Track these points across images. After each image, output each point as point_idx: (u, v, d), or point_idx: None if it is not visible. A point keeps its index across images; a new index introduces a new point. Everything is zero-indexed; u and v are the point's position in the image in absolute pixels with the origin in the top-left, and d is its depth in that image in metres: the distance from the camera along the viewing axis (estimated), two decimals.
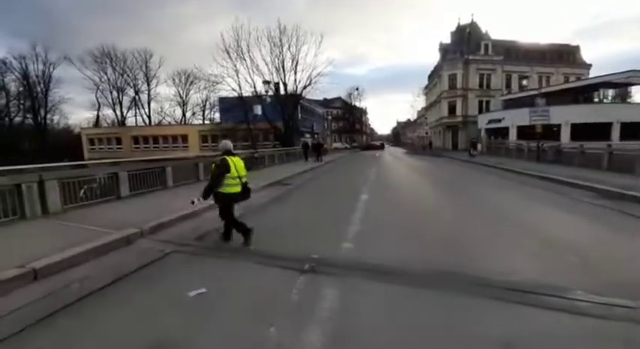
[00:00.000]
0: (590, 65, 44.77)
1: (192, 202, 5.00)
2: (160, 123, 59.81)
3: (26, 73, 52.76)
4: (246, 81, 33.23)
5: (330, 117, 69.37)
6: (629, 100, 31.20)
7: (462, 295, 3.34)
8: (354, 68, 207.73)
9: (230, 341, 2.68)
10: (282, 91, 33.81)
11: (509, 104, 35.85)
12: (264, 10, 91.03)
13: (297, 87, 34.20)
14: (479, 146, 29.24)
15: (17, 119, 53.49)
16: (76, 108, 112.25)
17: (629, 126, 25.71)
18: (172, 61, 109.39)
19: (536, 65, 42.03)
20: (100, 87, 58.14)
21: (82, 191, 7.78)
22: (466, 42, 41.94)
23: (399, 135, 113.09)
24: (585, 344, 2.59)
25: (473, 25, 43.52)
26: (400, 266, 4.10)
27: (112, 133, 49.28)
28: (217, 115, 52.73)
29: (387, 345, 2.62)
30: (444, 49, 45.81)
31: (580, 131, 25.46)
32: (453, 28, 45.96)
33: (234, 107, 33.53)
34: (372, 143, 69.36)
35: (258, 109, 19.08)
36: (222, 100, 41.70)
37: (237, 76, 32.74)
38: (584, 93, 31.66)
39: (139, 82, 60.38)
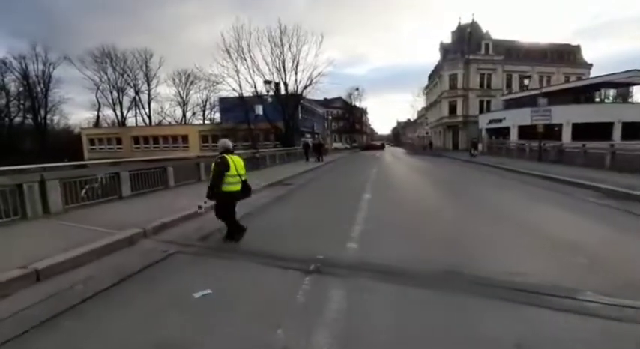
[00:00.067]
0: (590, 65, 44.77)
1: (200, 207, 4.97)
2: (160, 124, 59.79)
3: (26, 73, 52.81)
4: (247, 81, 33.22)
5: (330, 117, 69.31)
6: (630, 100, 31.06)
7: (469, 296, 3.30)
8: (354, 68, 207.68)
9: (237, 343, 2.64)
10: (282, 91, 33.76)
11: (510, 104, 35.82)
12: (264, 10, 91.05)
13: (297, 87, 34.20)
14: (479, 146, 29.22)
15: (17, 119, 53.58)
16: (76, 108, 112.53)
17: (630, 126, 25.70)
18: (172, 61, 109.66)
19: (536, 65, 41.99)
20: (100, 88, 58.22)
21: (84, 191, 7.74)
22: (467, 42, 41.88)
23: (399, 135, 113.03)
24: (596, 345, 2.55)
25: (474, 25, 43.47)
26: (406, 267, 4.07)
27: (113, 133, 49.23)
28: (217, 115, 52.73)
29: (396, 347, 2.58)
30: (445, 49, 45.76)
31: (581, 131, 25.43)
32: (454, 27, 45.99)
33: (235, 107, 33.49)
34: (372, 143, 69.33)
35: (259, 109, 19.02)
36: (223, 100, 41.64)
37: (238, 76, 32.73)
38: (586, 93, 31.63)
39: (139, 82, 60.46)
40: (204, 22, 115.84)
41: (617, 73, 26.72)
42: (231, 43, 32.18)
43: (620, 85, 29.34)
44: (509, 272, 3.83)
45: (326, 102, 61.42)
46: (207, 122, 57.11)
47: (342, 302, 3.18)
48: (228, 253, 4.80)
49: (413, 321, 2.89)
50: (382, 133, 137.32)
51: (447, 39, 46.73)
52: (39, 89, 54.17)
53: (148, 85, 61.18)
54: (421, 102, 68.40)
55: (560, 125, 26.27)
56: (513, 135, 30.90)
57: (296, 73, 33.70)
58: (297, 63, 33.43)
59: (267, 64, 33.55)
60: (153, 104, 62.85)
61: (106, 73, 57.72)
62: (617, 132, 26.02)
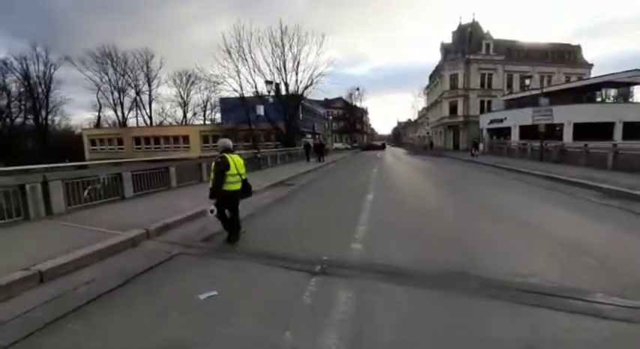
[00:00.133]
0: (591, 65, 44.73)
1: (212, 211, 4.95)
2: (161, 124, 59.78)
3: (27, 73, 52.86)
4: (248, 81, 33.16)
5: (331, 118, 69.31)
6: (631, 100, 30.98)
7: (476, 297, 3.26)
8: (354, 68, 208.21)
9: (244, 345, 2.60)
10: (283, 92, 33.72)
11: (511, 104, 35.79)
12: (264, 11, 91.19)
13: (298, 87, 34.15)
14: (480, 146, 29.18)
15: (18, 120, 53.62)
16: (77, 109, 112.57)
17: (631, 126, 25.65)
18: (173, 61, 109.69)
19: (537, 65, 41.95)
20: (101, 88, 58.21)
21: (86, 191, 7.71)
22: (467, 42, 41.82)
23: (400, 135, 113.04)
24: (610, 348, 2.51)
25: (474, 25, 43.42)
26: (411, 267, 4.04)
27: (114, 134, 49.19)
28: (218, 116, 52.74)
29: None
30: (446, 49, 45.71)
31: (582, 131, 25.39)
32: (455, 27, 45.95)
33: (236, 107, 33.44)
34: (373, 143, 69.30)
35: (260, 110, 18.99)
36: (224, 101, 41.59)
37: (239, 76, 32.68)
38: (587, 93, 31.58)
39: (140, 82, 60.41)
40: (204, 22, 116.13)
41: (618, 73, 26.67)
42: (232, 43, 32.17)
43: (621, 85, 29.26)
44: (515, 273, 3.80)
45: (326, 103, 61.42)
46: (207, 122, 57.11)
47: (349, 304, 3.14)
48: (232, 254, 4.76)
49: (420, 323, 2.86)
50: (382, 133, 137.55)
51: (448, 39, 46.77)
52: (40, 90, 54.30)
53: (149, 85, 61.25)
54: (422, 103, 68.44)
55: (562, 125, 26.23)
56: (514, 135, 30.87)
57: (297, 74, 33.70)
58: (298, 63, 33.43)
59: (268, 65, 33.55)
60: (154, 105, 62.91)
61: (107, 74, 57.81)
62: (618, 132, 25.97)
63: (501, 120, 33.77)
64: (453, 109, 43.86)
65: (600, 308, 3.00)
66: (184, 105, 64.01)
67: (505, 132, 32.71)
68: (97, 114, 59.79)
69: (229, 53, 31.91)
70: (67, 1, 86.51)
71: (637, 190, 8.36)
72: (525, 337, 2.59)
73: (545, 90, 24.10)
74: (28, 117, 54.08)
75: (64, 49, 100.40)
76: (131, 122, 59.71)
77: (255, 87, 32.82)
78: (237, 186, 5.15)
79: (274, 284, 3.70)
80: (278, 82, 32.74)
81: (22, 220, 6.25)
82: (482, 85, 42.50)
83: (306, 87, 34.17)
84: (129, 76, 59.16)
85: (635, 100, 30.69)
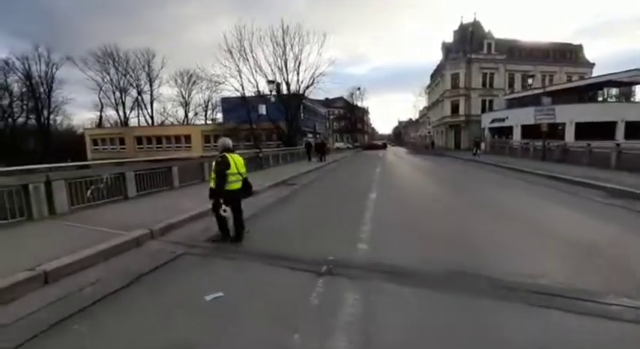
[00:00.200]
0: (593, 64, 44.60)
1: (225, 211, 4.99)
2: (162, 124, 59.78)
3: (29, 73, 52.94)
4: (249, 81, 33.15)
5: (332, 117, 69.27)
6: (633, 99, 30.86)
7: (486, 298, 3.23)
8: (354, 67, 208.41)
9: (252, 348, 2.58)
10: (285, 91, 33.68)
11: (513, 103, 35.71)
12: (264, 11, 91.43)
13: (299, 87, 34.12)
14: (482, 145, 29.11)
15: (20, 120, 53.67)
16: (79, 108, 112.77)
17: (633, 126, 25.56)
18: (175, 61, 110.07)
19: (539, 64, 41.87)
20: (103, 88, 58.32)
21: (89, 191, 7.70)
22: (469, 41, 41.74)
23: (401, 134, 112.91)
24: None
25: (475, 24, 43.29)
26: (418, 268, 4.01)
27: (116, 134, 49.17)
28: (220, 115, 52.75)
29: None
30: (447, 48, 45.59)
31: (584, 130, 25.32)
32: (456, 27, 45.89)
33: (237, 107, 33.41)
34: (374, 143, 69.19)
35: (262, 109, 18.99)
36: (225, 100, 41.59)
37: (240, 76, 32.67)
38: (588, 92, 31.48)
39: (142, 82, 60.47)
40: (205, 22, 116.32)
41: (620, 72, 26.57)
42: (234, 43, 32.17)
43: (623, 84, 29.12)
44: (523, 273, 3.77)
45: (327, 102, 61.42)
46: (209, 122, 57.11)
47: (357, 305, 3.12)
48: (236, 254, 4.74)
49: (429, 324, 2.83)
50: (383, 133, 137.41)
51: (449, 38, 46.66)
52: (42, 90, 54.37)
53: (151, 85, 61.30)
54: (423, 102, 68.35)
55: (564, 124, 26.16)
56: (516, 134, 30.80)
57: (298, 73, 33.69)
58: (300, 62, 33.41)
59: (270, 64, 33.54)
60: (155, 104, 63.02)
61: (109, 74, 57.90)
62: (620, 132, 25.88)
63: (503, 120, 33.69)
64: (455, 109, 43.75)
65: (609, 309, 2.97)
66: (186, 104, 64.16)
67: (507, 131, 32.63)
68: (98, 114, 60.02)
69: (231, 53, 31.95)
70: (69, 1, 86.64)
71: None
72: (537, 340, 2.56)
73: (547, 89, 24.04)
74: (30, 117, 54.21)
75: (66, 49, 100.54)
76: (133, 122, 59.87)
77: (257, 87, 32.85)
78: (238, 186, 5.17)
79: (280, 285, 3.67)
80: (279, 81, 32.70)
81: (25, 220, 6.23)
82: (483, 85, 42.40)
83: (307, 87, 34.18)
84: (130, 75, 59.31)
85: (636, 100, 30.54)
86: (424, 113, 66.83)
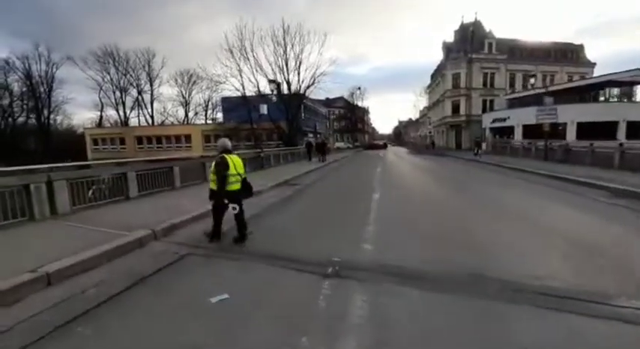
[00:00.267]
0: (594, 64, 44.57)
1: (234, 208, 5.08)
2: (162, 123, 59.74)
3: (29, 73, 52.89)
4: (250, 80, 33.11)
5: (332, 117, 69.24)
6: (634, 99, 30.78)
7: (496, 301, 3.18)
8: (355, 67, 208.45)
9: None
10: (285, 91, 33.63)
11: (514, 103, 35.68)
12: (264, 11, 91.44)
13: (300, 86, 34.08)
14: (483, 145, 29.07)
15: (20, 119, 53.62)
16: (79, 108, 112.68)
17: (634, 125, 25.50)
18: (175, 61, 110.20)
19: (540, 64, 41.82)
20: (103, 88, 58.29)
21: (91, 191, 7.65)
22: (470, 41, 41.68)
23: (401, 134, 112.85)
24: None
25: (476, 24, 43.24)
26: (425, 269, 3.96)
27: (116, 133, 49.12)
28: (220, 115, 52.75)
29: None
30: (448, 48, 45.53)
31: (586, 130, 25.30)
32: (456, 26, 45.83)
33: (238, 107, 33.36)
34: (374, 142, 69.11)
35: (263, 109, 18.93)
36: (225, 100, 41.55)
37: (241, 75, 32.63)
38: (590, 92, 31.45)
39: (142, 81, 60.45)
40: (205, 22, 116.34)
41: (621, 72, 26.52)
42: (234, 42, 32.15)
43: (624, 84, 29.09)
44: (532, 275, 3.71)
45: (328, 102, 61.39)
46: (209, 122, 57.08)
47: (365, 308, 3.07)
48: (240, 255, 4.68)
49: (440, 328, 2.78)
50: (383, 133, 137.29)
51: (450, 38, 46.64)
52: (42, 89, 54.30)
53: (151, 85, 61.29)
54: (423, 102, 68.32)
55: (565, 124, 26.11)
56: (517, 134, 30.77)
57: (299, 73, 33.65)
58: (300, 62, 33.37)
59: (270, 64, 33.51)
60: (155, 104, 63.07)
61: (109, 73, 57.88)
62: (621, 132, 25.82)
63: (504, 120, 33.65)
64: (456, 108, 43.70)
65: (621, 311, 2.93)
66: (186, 104, 64.16)
67: (508, 131, 32.59)
68: (98, 113, 59.99)
69: (231, 52, 31.93)
70: (69, 1, 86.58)
71: None
72: (547, 342, 2.53)
73: (548, 89, 23.99)
74: (31, 116, 54.16)
75: (67, 49, 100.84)
76: (133, 121, 59.85)
77: (258, 87, 32.82)
78: (237, 186, 5.18)
79: (287, 287, 3.62)
80: (280, 81, 32.67)
81: (27, 220, 6.18)
82: (484, 84, 42.36)
83: (308, 87, 34.13)
84: (131, 75, 59.29)
85: (638, 99, 30.46)
86: (425, 113, 66.80)
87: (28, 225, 6.05)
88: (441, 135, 49.55)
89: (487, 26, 43.43)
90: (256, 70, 32.88)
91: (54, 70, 54.61)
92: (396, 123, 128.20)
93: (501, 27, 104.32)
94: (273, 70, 33.11)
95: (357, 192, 10.22)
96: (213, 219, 5.27)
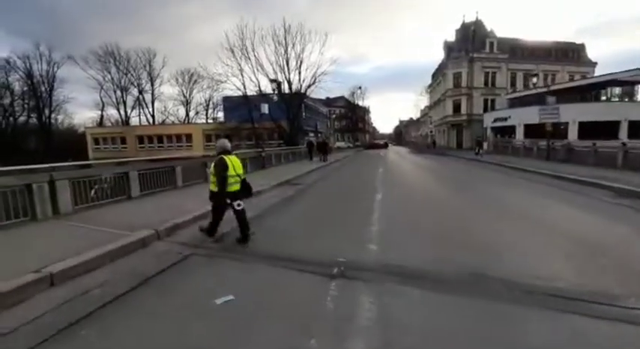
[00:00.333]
0: (595, 63, 44.48)
1: (239, 205, 5.12)
2: (163, 123, 59.70)
3: (30, 72, 52.88)
4: (251, 80, 33.15)
5: (333, 116, 69.19)
6: (635, 98, 30.72)
7: (502, 302, 3.15)
8: (355, 67, 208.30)
9: None
10: (286, 90, 33.61)
11: (515, 102, 35.64)
12: (265, 10, 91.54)
13: (301, 86, 34.06)
14: (485, 145, 29.01)
15: (21, 119, 53.65)
16: (80, 107, 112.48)
17: (636, 125, 25.46)
18: (175, 60, 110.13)
19: (541, 63, 41.69)
20: (104, 87, 58.25)
21: (93, 191, 7.61)
22: (471, 40, 41.58)
23: (402, 133, 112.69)
24: None
25: (478, 23, 43.16)
26: (431, 269, 3.93)
27: (117, 133, 49.06)
28: (220, 114, 52.76)
29: None
30: (449, 47, 45.48)
31: (587, 129, 25.27)
32: (458, 25, 45.74)
33: (239, 106, 33.36)
34: (375, 142, 69.03)
35: (265, 108, 18.85)
36: (226, 99, 41.59)
37: (242, 74, 32.68)
38: (591, 92, 31.40)
39: (143, 81, 60.43)
40: (205, 22, 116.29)
41: (623, 72, 26.50)
42: (236, 41, 32.21)
43: (626, 84, 29.05)
44: (537, 275, 3.67)
45: (328, 101, 61.33)
46: (210, 121, 57.06)
47: (373, 309, 3.03)
48: (244, 256, 4.65)
49: (448, 329, 2.74)
50: (384, 132, 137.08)
51: (451, 37, 46.57)
52: (43, 88, 54.33)
53: (152, 84, 61.27)
54: (424, 101, 68.28)
55: (566, 123, 26.04)
56: (519, 133, 30.70)
57: (300, 72, 33.64)
58: (301, 61, 33.38)
59: (271, 63, 33.60)
60: (156, 103, 63.02)
61: (110, 73, 57.84)
62: (623, 131, 25.79)
63: (505, 119, 33.59)
64: (457, 108, 43.65)
65: (629, 313, 2.89)
66: (187, 103, 64.11)
67: (509, 130, 32.53)
68: (99, 112, 60.06)
69: (232, 52, 31.98)
70: (70, 1, 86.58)
71: None
72: (554, 344, 2.50)
73: (550, 88, 23.92)
74: (32, 116, 54.21)
75: (68, 48, 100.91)
76: (134, 121, 59.80)
77: (259, 86, 32.81)
78: (237, 187, 5.20)
79: (292, 288, 3.59)
80: (281, 80, 32.65)
81: (29, 220, 6.15)
82: (485, 84, 42.31)
83: (309, 86, 34.14)
84: (131, 74, 59.25)
85: (639, 99, 30.39)
86: (425, 112, 66.75)
87: (30, 224, 6.01)
88: (442, 134, 49.50)
89: (488, 25, 43.48)
90: (257, 70, 32.97)
91: (55, 69, 54.74)
92: (396, 123, 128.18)
93: (502, 26, 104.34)
94: (274, 69, 33.17)
95: (360, 192, 10.19)
96: (212, 218, 5.29)
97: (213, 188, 5.15)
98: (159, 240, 5.29)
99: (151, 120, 60.00)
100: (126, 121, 58.65)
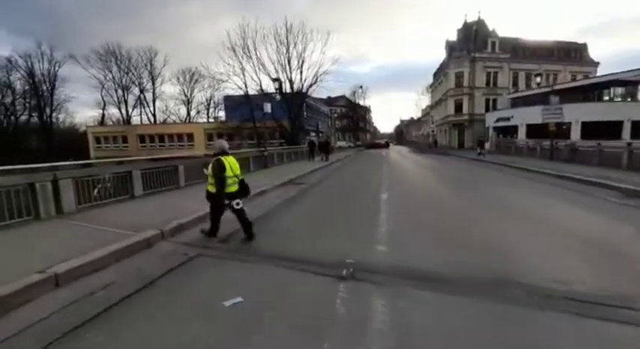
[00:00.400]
0: (597, 63, 44.28)
1: (238, 204, 5.13)
2: (164, 122, 59.66)
3: (32, 71, 52.88)
4: (252, 79, 33.08)
5: (334, 116, 69.10)
6: (638, 98, 30.59)
7: (519, 306, 3.07)
8: (357, 66, 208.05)
9: None
10: (288, 89, 33.54)
11: (517, 102, 35.53)
12: (265, 11, 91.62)
13: (303, 85, 33.99)
14: (487, 145, 28.92)
15: (23, 118, 53.63)
16: (81, 106, 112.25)
17: (639, 125, 25.33)
18: (177, 59, 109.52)
19: (543, 63, 41.49)
20: (105, 86, 58.24)
21: (96, 190, 7.55)
22: (473, 39, 41.45)
23: (403, 133, 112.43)
24: None
25: (480, 23, 43.01)
26: (444, 272, 3.84)
27: (119, 132, 49.03)
28: (222, 113, 52.70)
29: None
30: (451, 47, 45.32)
31: (590, 129, 25.15)
32: (460, 25, 45.57)
33: (240, 105, 33.36)
34: (377, 142, 68.93)
35: (267, 107, 18.81)
36: (228, 98, 41.56)
37: (243, 74, 32.61)
38: (594, 91, 31.29)
39: (144, 80, 60.42)
40: (206, 22, 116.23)
41: (625, 72, 26.38)
42: (237, 41, 32.21)
43: (629, 84, 28.95)
44: (555, 279, 3.59)
45: (330, 101, 61.23)
46: (211, 120, 56.99)
47: (386, 312, 2.96)
48: (251, 256, 4.57)
49: (465, 334, 2.67)
50: (385, 131, 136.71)
51: (453, 37, 46.38)
52: (44, 87, 54.33)
53: (153, 83, 61.22)
54: (426, 101, 68.16)
55: (569, 123, 25.94)
56: (521, 133, 30.60)
57: (301, 72, 33.55)
58: (303, 61, 33.29)
59: (273, 62, 33.47)
60: (157, 102, 63.01)
61: (111, 72, 57.79)
62: (626, 131, 25.69)
63: (508, 119, 33.47)
64: (458, 107, 43.49)
65: None
66: (188, 103, 64.06)
67: (512, 130, 32.41)
68: (101, 111, 60.05)
69: (234, 51, 31.90)
70: (71, 0, 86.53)
71: None
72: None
73: (553, 88, 23.82)
74: (33, 115, 54.23)
75: (69, 47, 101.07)
76: (135, 120, 59.79)
77: (260, 85, 32.73)
78: (235, 188, 5.18)
79: (301, 290, 3.52)
80: (282, 79, 32.58)
81: (32, 220, 6.09)
82: (487, 83, 42.16)
83: (310, 85, 34.05)
84: (133, 73, 59.21)
85: None
86: (427, 112, 66.61)
87: (33, 224, 5.95)
88: (444, 134, 49.37)
89: (490, 25, 43.24)
90: (259, 69, 32.88)
91: (56, 68, 54.73)
92: (397, 122, 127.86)
93: (504, 26, 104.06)
94: (275, 68, 33.07)
95: (365, 191, 10.12)
96: (211, 219, 5.30)
97: (211, 189, 5.14)
98: (164, 240, 5.23)
99: (152, 120, 60.01)
100: (127, 120, 58.63)
